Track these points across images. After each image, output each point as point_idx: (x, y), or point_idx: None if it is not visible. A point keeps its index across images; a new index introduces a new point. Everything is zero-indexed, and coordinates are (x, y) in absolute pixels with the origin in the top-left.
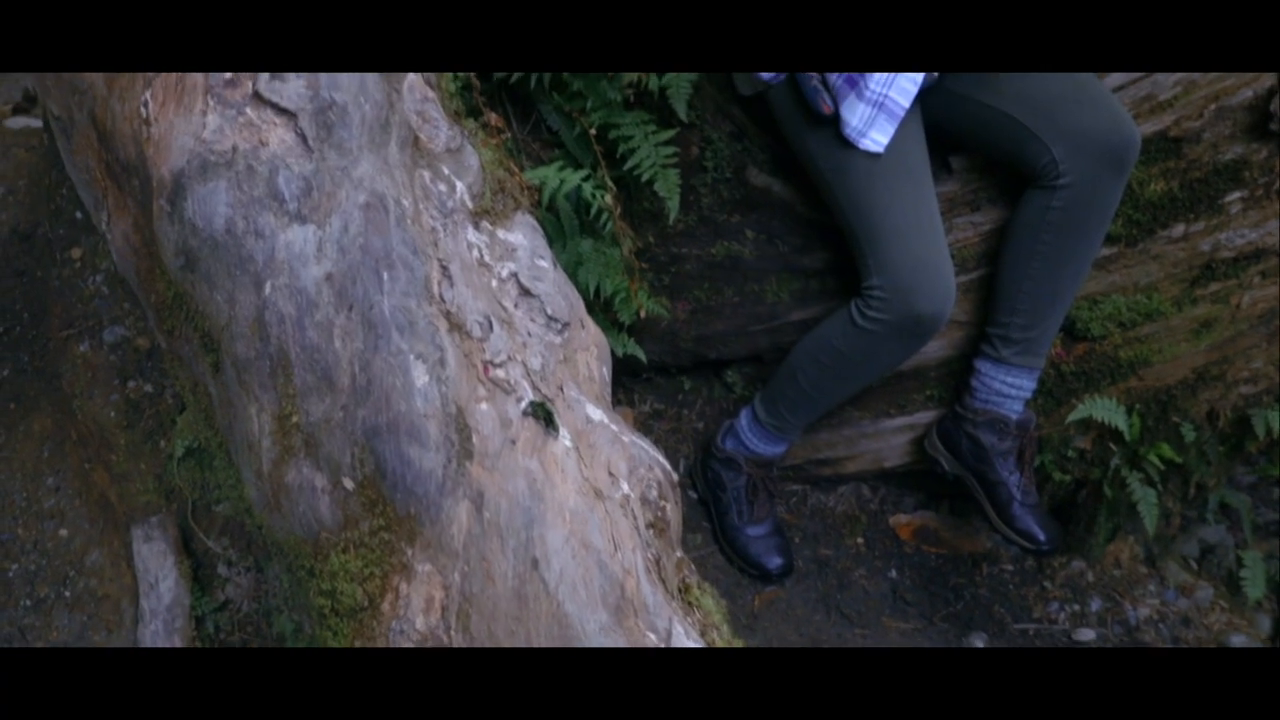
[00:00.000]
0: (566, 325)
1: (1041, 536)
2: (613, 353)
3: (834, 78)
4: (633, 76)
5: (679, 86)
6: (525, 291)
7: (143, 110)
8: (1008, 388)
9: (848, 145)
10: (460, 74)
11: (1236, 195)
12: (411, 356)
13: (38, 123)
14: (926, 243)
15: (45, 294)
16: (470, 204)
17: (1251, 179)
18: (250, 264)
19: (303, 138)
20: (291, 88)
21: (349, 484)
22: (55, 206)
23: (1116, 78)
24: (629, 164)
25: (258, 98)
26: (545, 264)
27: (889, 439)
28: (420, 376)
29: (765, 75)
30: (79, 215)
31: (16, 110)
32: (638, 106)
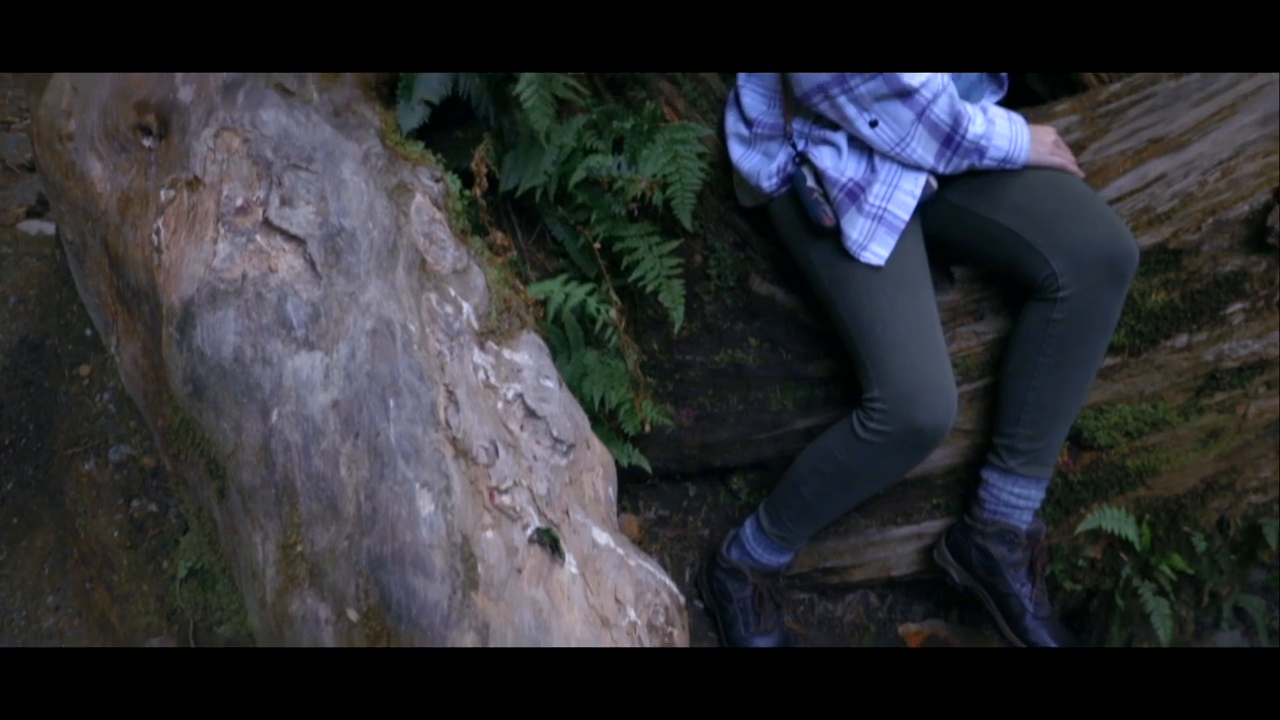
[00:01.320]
0: (572, 447)
1: (1055, 648)
2: (617, 462)
3: (835, 191)
4: (636, 190)
5: (683, 197)
6: (531, 413)
7: (154, 238)
8: (1016, 498)
9: (848, 258)
10: (467, 192)
11: (1238, 306)
12: (417, 485)
13: (51, 228)
14: (927, 356)
15: (52, 408)
16: (476, 324)
17: (1252, 290)
18: (257, 391)
19: (311, 264)
20: (301, 214)
21: (353, 615)
22: (65, 321)
23: (1114, 189)
24: (634, 275)
25: (268, 224)
26: (551, 384)
27: (896, 548)
28: (426, 505)
29: (766, 187)
30: (88, 332)
31: (30, 214)
32: (642, 218)
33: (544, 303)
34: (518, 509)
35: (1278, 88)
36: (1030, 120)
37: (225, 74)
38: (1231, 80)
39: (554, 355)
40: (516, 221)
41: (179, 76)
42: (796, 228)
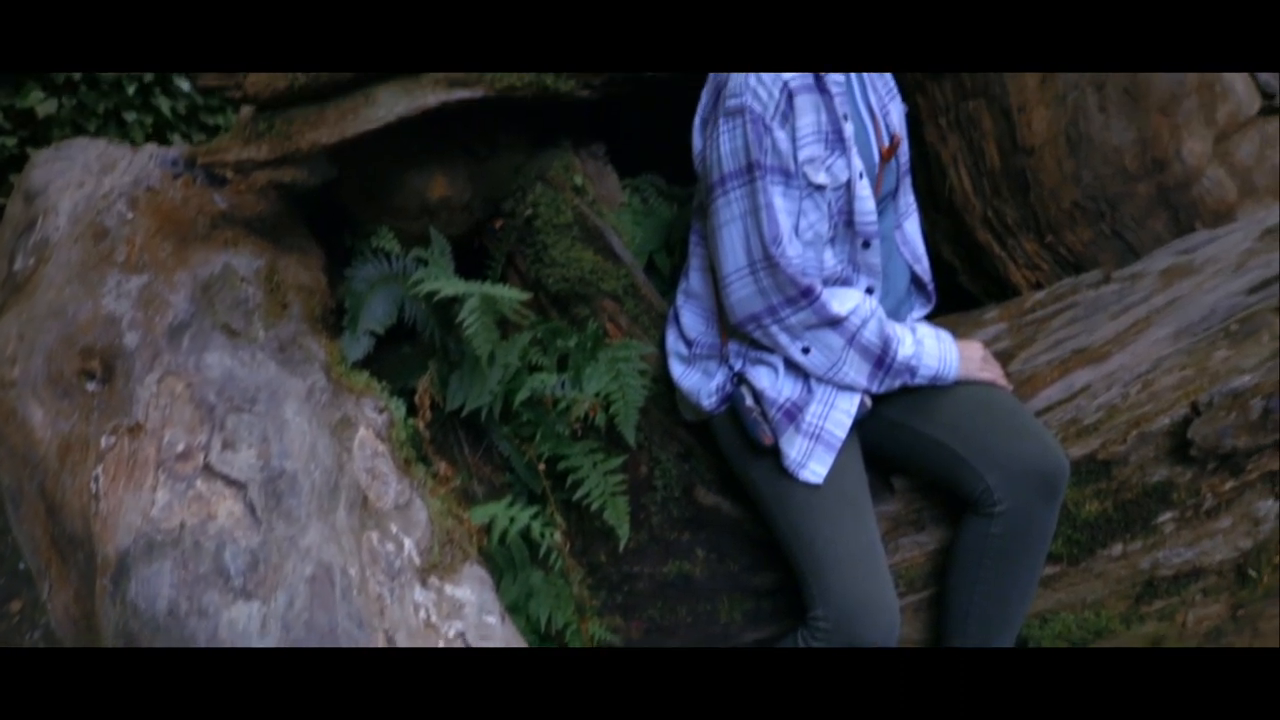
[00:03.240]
0: None
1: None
2: None
3: (773, 410)
4: (580, 411)
5: (626, 414)
6: None
7: (93, 485)
8: None
9: (788, 475)
10: (411, 420)
11: (1168, 516)
12: None
13: None
14: (868, 573)
15: None
16: (418, 560)
17: (1180, 500)
18: (192, 644)
19: (252, 509)
20: (243, 458)
21: None
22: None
23: (1042, 399)
24: (578, 494)
25: (209, 470)
26: (493, 620)
27: None
28: None
29: (706, 405)
30: (21, 567)
31: None
32: (586, 435)
33: (489, 526)
34: None
35: (1188, 302)
36: (960, 328)
37: (172, 316)
38: (1146, 293)
39: (499, 576)
40: (464, 436)
41: (125, 321)
42: (737, 444)
